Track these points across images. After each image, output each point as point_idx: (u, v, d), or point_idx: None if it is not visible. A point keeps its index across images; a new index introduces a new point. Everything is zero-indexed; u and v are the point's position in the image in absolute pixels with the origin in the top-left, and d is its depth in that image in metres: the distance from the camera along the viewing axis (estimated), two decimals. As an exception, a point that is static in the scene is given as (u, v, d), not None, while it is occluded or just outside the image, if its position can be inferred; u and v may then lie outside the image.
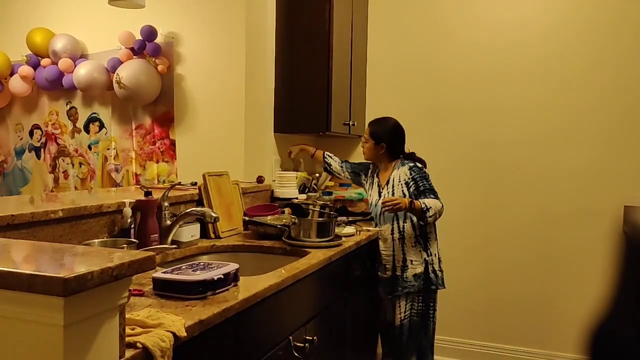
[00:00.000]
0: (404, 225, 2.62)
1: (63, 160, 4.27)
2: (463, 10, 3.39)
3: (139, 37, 3.74)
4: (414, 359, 2.67)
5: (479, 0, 3.35)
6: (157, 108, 3.88)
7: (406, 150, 2.77)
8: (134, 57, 3.78)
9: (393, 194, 2.62)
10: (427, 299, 2.64)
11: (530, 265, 3.27)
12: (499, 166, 3.32)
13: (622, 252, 0.71)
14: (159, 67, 3.73)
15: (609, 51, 3.10)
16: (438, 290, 2.68)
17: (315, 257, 1.98)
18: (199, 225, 2.23)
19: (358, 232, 2.57)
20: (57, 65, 3.99)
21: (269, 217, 2.50)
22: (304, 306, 1.88)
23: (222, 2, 3.67)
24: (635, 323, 0.65)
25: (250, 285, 1.52)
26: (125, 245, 1.62)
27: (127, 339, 1.02)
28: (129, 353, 1.01)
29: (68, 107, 4.22)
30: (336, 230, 2.35)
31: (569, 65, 3.18)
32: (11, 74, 4.20)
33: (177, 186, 2.42)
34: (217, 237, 2.34)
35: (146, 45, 3.73)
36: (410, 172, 2.62)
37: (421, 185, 2.58)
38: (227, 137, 3.60)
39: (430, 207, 2.49)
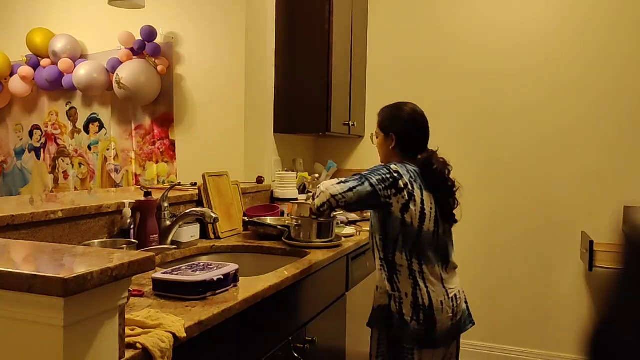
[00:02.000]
0: (373, 236, 1.95)
1: (63, 161, 4.27)
2: (463, 11, 3.39)
3: (138, 37, 3.74)
4: None
5: (480, 1, 3.35)
6: (157, 108, 3.88)
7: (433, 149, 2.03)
8: (134, 57, 3.78)
9: None
10: (395, 353, 1.86)
11: (531, 265, 3.27)
12: (500, 167, 3.32)
13: (622, 253, 0.71)
14: (159, 68, 3.73)
15: (612, 53, 3.10)
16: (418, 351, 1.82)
17: (315, 258, 1.98)
18: (198, 225, 2.23)
19: (358, 233, 2.58)
20: (57, 65, 3.99)
21: (268, 218, 2.50)
22: (304, 306, 1.88)
23: (222, 2, 3.67)
24: (635, 325, 0.65)
25: (250, 286, 1.52)
26: (125, 246, 1.62)
27: (126, 339, 1.02)
28: (128, 354, 1.00)
29: (68, 107, 4.22)
30: (336, 231, 2.35)
31: (571, 67, 3.18)
32: (11, 74, 4.20)
33: (176, 186, 2.42)
34: (217, 237, 2.34)
35: (146, 46, 3.73)
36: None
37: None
38: (227, 137, 3.60)
39: (318, 192, 1.85)
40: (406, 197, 1.80)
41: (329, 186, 1.82)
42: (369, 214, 3.17)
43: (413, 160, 1.92)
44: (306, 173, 3.24)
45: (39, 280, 0.81)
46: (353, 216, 3.06)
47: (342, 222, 2.67)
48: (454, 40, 3.41)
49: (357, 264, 2.49)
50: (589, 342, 0.69)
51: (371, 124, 3.65)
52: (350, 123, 3.34)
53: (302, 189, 3.13)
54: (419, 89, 3.50)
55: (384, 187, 1.79)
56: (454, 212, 1.97)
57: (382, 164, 1.88)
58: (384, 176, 1.80)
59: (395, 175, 1.81)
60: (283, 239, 2.26)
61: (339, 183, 1.81)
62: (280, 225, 2.31)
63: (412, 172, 1.86)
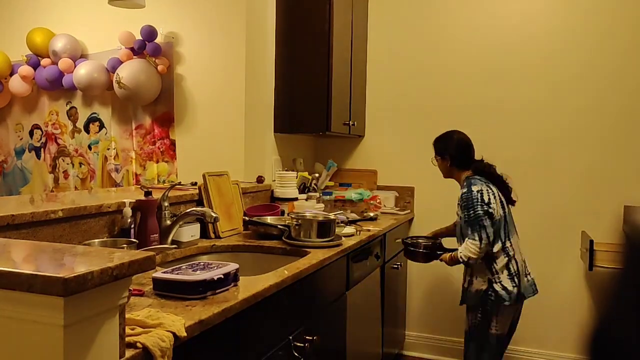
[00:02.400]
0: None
1: (63, 160, 4.27)
2: (463, 11, 3.39)
3: (139, 37, 3.74)
4: None
5: (480, 2, 3.35)
6: (157, 108, 3.88)
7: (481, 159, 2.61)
8: (134, 57, 3.78)
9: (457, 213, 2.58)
10: (486, 314, 2.49)
11: (530, 265, 3.26)
12: (500, 165, 3.31)
13: (622, 253, 0.71)
14: (159, 67, 3.73)
15: (613, 52, 3.10)
16: (508, 306, 2.47)
17: (315, 257, 1.98)
18: (199, 225, 2.23)
19: (358, 232, 2.58)
20: (57, 65, 3.99)
21: (269, 217, 2.50)
22: (304, 306, 1.88)
23: (222, 2, 3.67)
24: (636, 325, 0.65)
25: (250, 285, 1.52)
26: (125, 245, 1.62)
27: (127, 339, 1.02)
28: (129, 353, 1.01)
29: (68, 107, 4.22)
30: (336, 231, 2.35)
31: (572, 66, 3.18)
32: (11, 74, 4.20)
33: (177, 186, 2.42)
34: (217, 237, 2.34)
35: (146, 45, 3.73)
36: (460, 199, 2.50)
37: (465, 216, 2.45)
38: (227, 137, 3.60)
39: (463, 256, 2.43)
40: (493, 201, 2.42)
41: (469, 254, 2.41)
42: (371, 214, 3.16)
43: (467, 170, 2.59)
44: (306, 172, 3.24)
45: (39, 279, 0.81)
46: (354, 216, 3.06)
47: (342, 222, 2.67)
48: (454, 39, 3.41)
49: (357, 264, 2.49)
50: (589, 342, 0.69)
51: (371, 124, 3.66)
52: (350, 123, 3.34)
53: (302, 189, 3.13)
54: (419, 89, 3.50)
55: (491, 208, 2.41)
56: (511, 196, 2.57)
57: (467, 195, 2.45)
58: (482, 205, 2.41)
59: (481, 193, 2.43)
60: (283, 238, 2.26)
61: (473, 243, 2.40)
62: (280, 225, 2.31)
63: (480, 179, 2.50)
